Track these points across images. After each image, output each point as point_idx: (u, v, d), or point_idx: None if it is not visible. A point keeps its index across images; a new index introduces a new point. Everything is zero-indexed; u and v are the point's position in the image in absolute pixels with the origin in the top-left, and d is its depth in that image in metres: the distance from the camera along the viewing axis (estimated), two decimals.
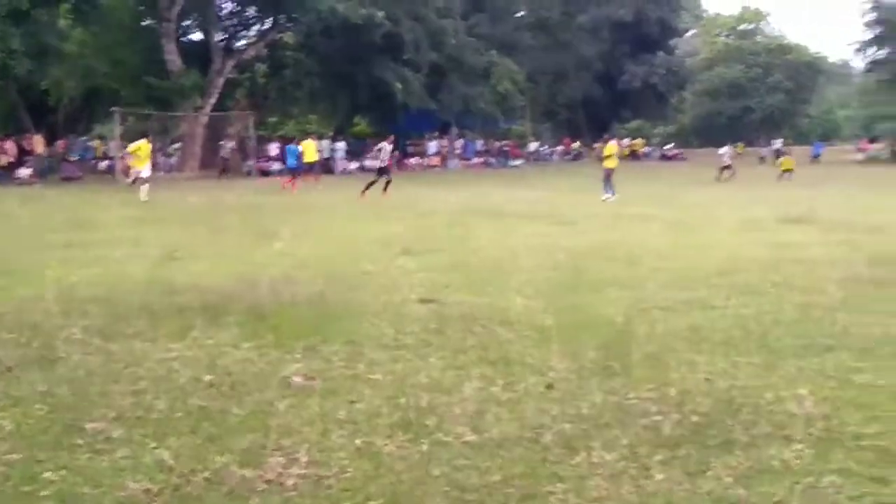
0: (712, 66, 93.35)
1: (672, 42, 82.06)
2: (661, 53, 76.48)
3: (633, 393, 5.98)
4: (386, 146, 27.86)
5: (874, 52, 69.40)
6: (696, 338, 7.59)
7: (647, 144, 78.36)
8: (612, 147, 27.74)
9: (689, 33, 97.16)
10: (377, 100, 51.54)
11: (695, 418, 5.41)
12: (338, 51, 48.96)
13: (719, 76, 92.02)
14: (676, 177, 43.76)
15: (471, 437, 5.09)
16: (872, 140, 73.26)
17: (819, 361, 6.80)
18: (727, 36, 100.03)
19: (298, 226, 17.98)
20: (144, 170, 26.41)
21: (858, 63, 78.62)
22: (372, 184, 26.71)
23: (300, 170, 33.86)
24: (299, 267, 11.85)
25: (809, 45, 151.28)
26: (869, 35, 68.22)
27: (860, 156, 66.03)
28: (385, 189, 26.46)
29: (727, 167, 39.60)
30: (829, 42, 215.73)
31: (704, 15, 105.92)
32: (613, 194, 25.31)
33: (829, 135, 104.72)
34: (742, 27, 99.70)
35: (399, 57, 49.11)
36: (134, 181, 26.99)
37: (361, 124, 60.66)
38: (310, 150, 34.91)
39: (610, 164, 26.45)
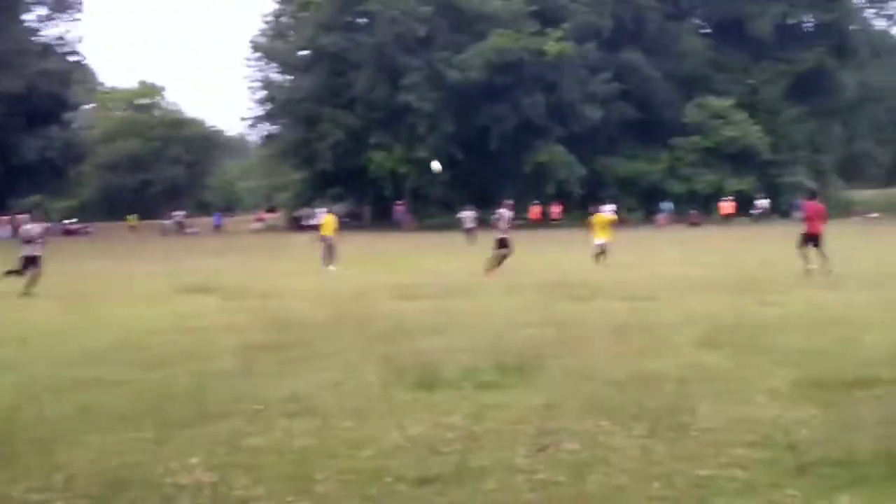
0: (111, 139, 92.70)
1: (67, 116, 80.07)
2: (55, 127, 74.28)
3: (20, 484, 5.62)
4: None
5: (267, 127, 73.12)
6: (89, 417, 7.37)
7: (48, 219, 75.08)
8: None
9: (87, 106, 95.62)
10: None
11: (83, 502, 5.21)
12: None
13: (119, 150, 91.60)
14: (80, 251, 42.50)
15: None
16: (271, 210, 77.13)
17: (212, 429, 6.92)
18: (125, 110, 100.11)
19: None
20: None
21: (255, 137, 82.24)
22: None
23: None
24: None
25: (207, 118, 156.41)
26: (260, 111, 71.71)
27: (259, 225, 69.14)
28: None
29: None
30: (227, 116, 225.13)
31: (101, 88, 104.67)
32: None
33: (230, 206, 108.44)
34: (140, 101, 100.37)
35: None
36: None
37: None
38: None
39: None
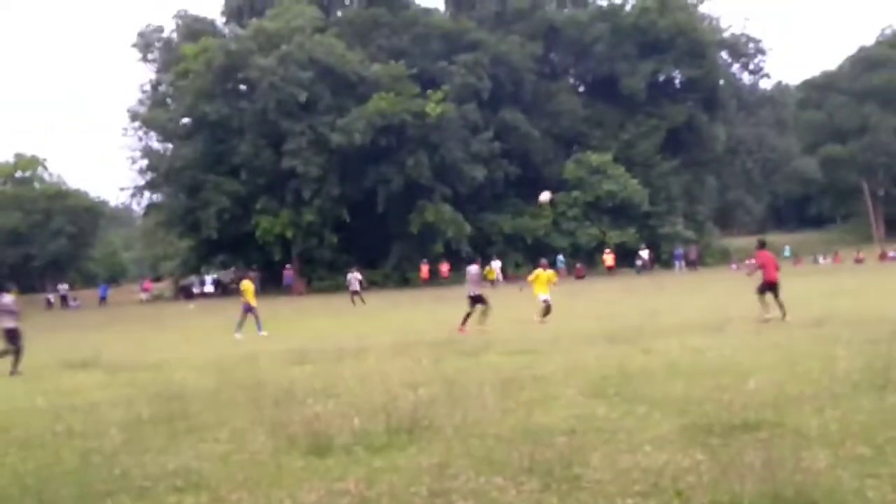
0: None
1: None
2: None
3: None
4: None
5: (150, 197, 71.55)
6: None
7: None
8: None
9: None
10: None
11: None
12: None
13: None
14: None
15: None
16: (157, 279, 75.68)
17: None
18: (4, 183, 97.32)
19: None
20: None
21: (137, 207, 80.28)
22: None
23: None
24: None
25: (90, 189, 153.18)
26: (142, 181, 70.13)
27: (145, 295, 67.80)
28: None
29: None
30: (111, 186, 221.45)
31: None
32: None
33: (116, 276, 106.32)
34: (19, 174, 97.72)
35: None
36: None
37: None
38: None
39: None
